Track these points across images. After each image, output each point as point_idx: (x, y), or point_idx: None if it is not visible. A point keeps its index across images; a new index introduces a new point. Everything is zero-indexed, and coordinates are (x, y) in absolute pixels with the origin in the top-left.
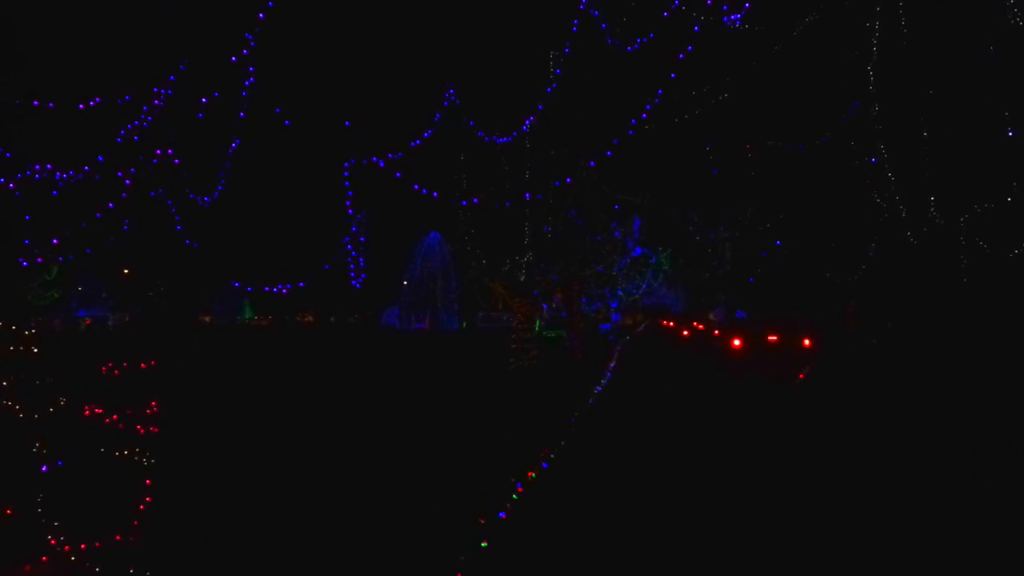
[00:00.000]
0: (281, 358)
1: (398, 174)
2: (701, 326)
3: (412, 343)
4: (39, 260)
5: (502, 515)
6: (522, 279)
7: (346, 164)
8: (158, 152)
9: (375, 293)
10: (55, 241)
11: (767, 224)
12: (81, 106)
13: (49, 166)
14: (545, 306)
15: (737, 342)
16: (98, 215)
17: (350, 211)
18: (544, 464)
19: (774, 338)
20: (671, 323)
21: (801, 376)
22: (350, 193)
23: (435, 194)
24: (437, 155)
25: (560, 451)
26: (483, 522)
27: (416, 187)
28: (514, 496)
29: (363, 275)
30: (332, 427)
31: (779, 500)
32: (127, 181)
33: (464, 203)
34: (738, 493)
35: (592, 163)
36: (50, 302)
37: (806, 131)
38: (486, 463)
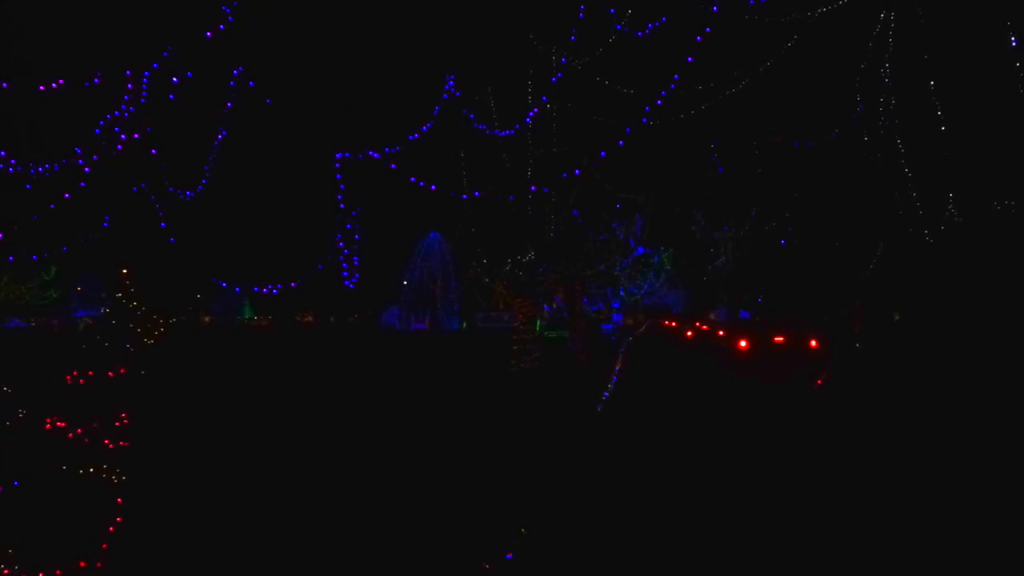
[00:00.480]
0: (276, 359)
1: (393, 165)
2: (705, 327)
3: (412, 343)
4: (11, 259)
5: (509, 556)
6: (523, 279)
7: (338, 156)
8: (123, 139)
9: (375, 293)
10: (0, 236)
11: (772, 223)
12: (42, 88)
13: (14, 162)
14: (547, 306)
15: (743, 343)
16: (52, 207)
17: (342, 206)
18: (553, 487)
19: (781, 339)
20: (673, 323)
21: (819, 382)
22: (342, 187)
23: (433, 187)
24: (436, 149)
25: (568, 471)
26: (487, 567)
27: (413, 179)
28: (523, 530)
29: (357, 275)
30: (327, 434)
31: (802, 515)
32: (89, 170)
33: (464, 197)
34: (762, 511)
35: (604, 153)
36: (48, 302)
37: (815, 127)
38: (491, 472)
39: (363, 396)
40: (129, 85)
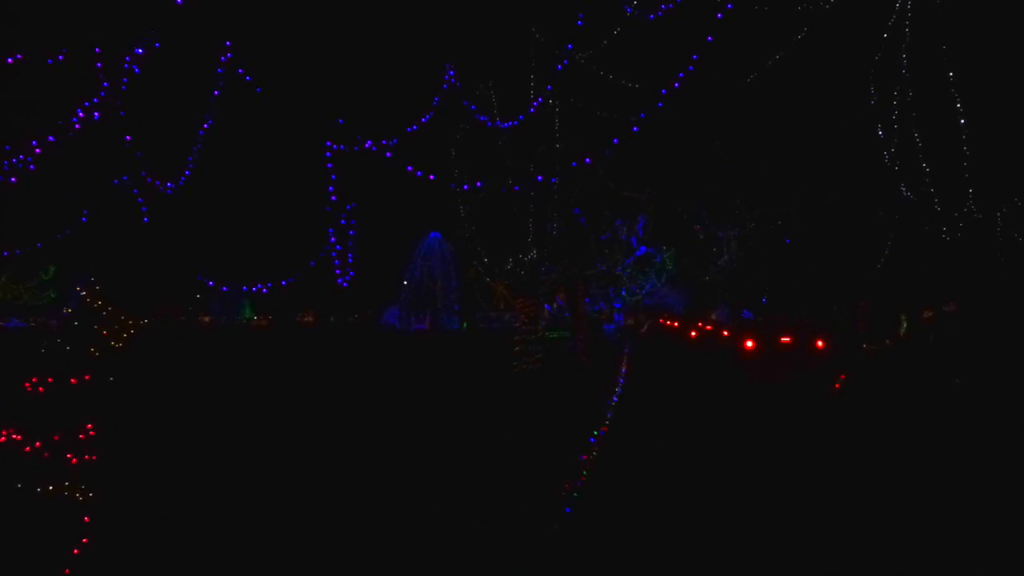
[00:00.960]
0: (275, 359)
1: (388, 153)
2: (709, 327)
3: (412, 343)
4: None
5: None
6: (526, 278)
7: (328, 144)
8: (97, 122)
9: (375, 293)
10: None
11: (778, 221)
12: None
13: None
14: (548, 306)
15: (750, 344)
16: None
17: (333, 198)
18: (567, 508)
19: (787, 339)
20: (675, 323)
21: (837, 386)
22: (333, 177)
23: (431, 176)
24: (435, 142)
25: (583, 488)
26: None
27: (409, 168)
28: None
29: (351, 272)
30: (326, 437)
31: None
32: (35, 154)
33: (466, 187)
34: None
35: (616, 140)
36: (47, 302)
37: (824, 121)
38: (495, 475)
39: (363, 397)
40: (99, 63)
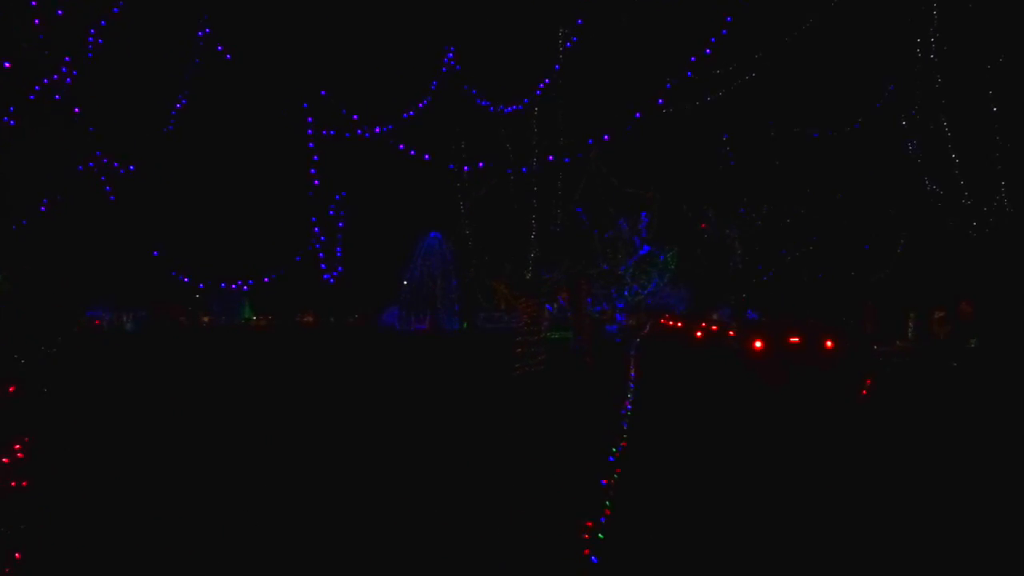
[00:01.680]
0: (273, 360)
1: (378, 129)
2: (715, 327)
3: (412, 344)
4: None
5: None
6: (528, 277)
7: (310, 121)
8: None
9: (375, 293)
10: None
11: (786, 220)
12: None
13: None
14: (549, 306)
15: (758, 344)
16: None
17: (316, 182)
18: (593, 556)
19: (796, 340)
20: (677, 323)
21: (864, 392)
22: (315, 159)
23: (426, 156)
24: (436, 129)
25: (608, 525)
26: None
27: (401, 147)
28: None
29: (339, 268)
30: (323, 441)
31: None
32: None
33: (467, 168)
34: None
35: (637, 116)
36: None
37: (839, 115)
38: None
39: (362, 399)
40: (39, 25)
